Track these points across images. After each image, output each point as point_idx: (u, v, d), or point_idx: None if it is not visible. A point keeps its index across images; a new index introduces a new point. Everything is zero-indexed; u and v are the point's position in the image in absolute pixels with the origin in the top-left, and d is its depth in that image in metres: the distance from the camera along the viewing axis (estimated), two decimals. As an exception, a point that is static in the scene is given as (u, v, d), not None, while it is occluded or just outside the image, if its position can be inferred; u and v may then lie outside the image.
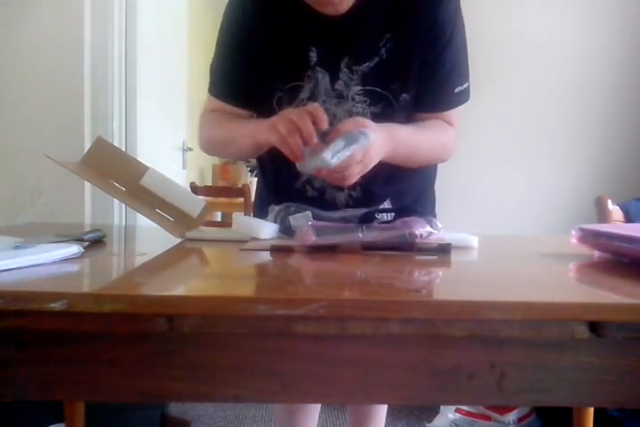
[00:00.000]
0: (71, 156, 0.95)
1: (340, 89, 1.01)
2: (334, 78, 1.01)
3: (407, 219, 0.82)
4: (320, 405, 1.31)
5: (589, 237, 0.77)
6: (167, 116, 2.87)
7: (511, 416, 1.85)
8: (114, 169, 0.92)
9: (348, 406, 1.40)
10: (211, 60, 1.11)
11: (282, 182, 1.11)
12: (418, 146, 1.02)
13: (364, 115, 1.01)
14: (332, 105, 1.01)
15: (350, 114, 1.01)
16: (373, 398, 0.56)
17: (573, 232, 0.79)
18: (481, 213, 2.23)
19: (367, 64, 0.99)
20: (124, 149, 2.32)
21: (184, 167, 3.14)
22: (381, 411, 1.34)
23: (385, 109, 1.02)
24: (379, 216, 0.92)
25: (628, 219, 1.62)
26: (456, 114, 1.08)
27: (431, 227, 0.81)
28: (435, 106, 1.05)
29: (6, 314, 0.48)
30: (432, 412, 2.02)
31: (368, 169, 0.89)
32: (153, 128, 2.57)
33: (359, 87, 1.00)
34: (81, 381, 0.52)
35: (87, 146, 0.99)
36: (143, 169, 0.92)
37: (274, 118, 0.90)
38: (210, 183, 4.71)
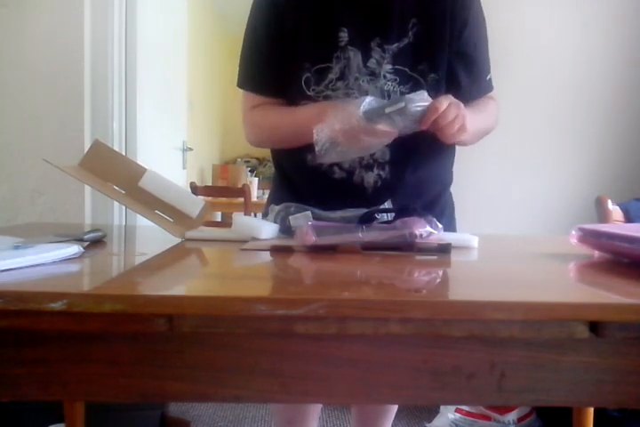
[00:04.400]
0: (71, 156, 0.96)
1: (372, 67, 1.03)
2: (367, 56, 1.03)
3: (407, 219, 0.82)
4: (319, 414, 1.30)
5: (589, 237, 0.77)
6: (167, 116, 2.87)
7: (511, 416, 1.85)
8: (112, 172, 0.92)
9: (354, 407, 1.39)
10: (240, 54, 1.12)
11: (306, 169, 1.09)
12: (476, 123, 1.04)
13: (394, 93, 1.04)
14: (365, 82, 1.03)
15: (382, 91, 1.03)
16: (373, 398, 0.56)
17: (573, 232, 0.79)
18: (481, 214, 2.23)
19: (397, 44, 1.03)
20: (124, 149, 2.32)
21: (184, 167, 3.14)
22: (390, 413, 1.32)
23: (414, 89, 1.03)
24: (379, 216, 0.92)
25: (628, 219, 1.62)
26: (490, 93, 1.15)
27: (431, 227, 0.81)
28: (474, 93, 1.10)
29: (6, 314, 0.48)
30: (432, 412, 2.02)
31: (466, 119, 0.91)
32: (153, 128, 2.57)
33: (390, 66, 1.03)
34: (81, 381, 0.52)
35: (87, 146, 0.99)
36: (141, 171, 0.92)
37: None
38: (210, 183, 4.71)
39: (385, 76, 1.03)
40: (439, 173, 1.17)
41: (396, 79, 1.03)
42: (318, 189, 1.06)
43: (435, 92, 1.04)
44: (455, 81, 1.07)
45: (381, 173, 1.06)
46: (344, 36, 1.02)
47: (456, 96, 1.06)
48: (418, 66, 1.03)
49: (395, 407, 1.34)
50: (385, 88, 1.03)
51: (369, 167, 1.05)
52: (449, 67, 1.05)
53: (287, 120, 1.07)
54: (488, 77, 1.12)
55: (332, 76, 1.03)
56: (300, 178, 1.13)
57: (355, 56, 1.02)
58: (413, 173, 1.08)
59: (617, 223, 1.52)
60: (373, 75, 1.03)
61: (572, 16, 2.22)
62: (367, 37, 1.03)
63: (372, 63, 1.03)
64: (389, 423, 1.34)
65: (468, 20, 1.05)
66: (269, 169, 5.52)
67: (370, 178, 1.06)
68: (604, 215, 1.52)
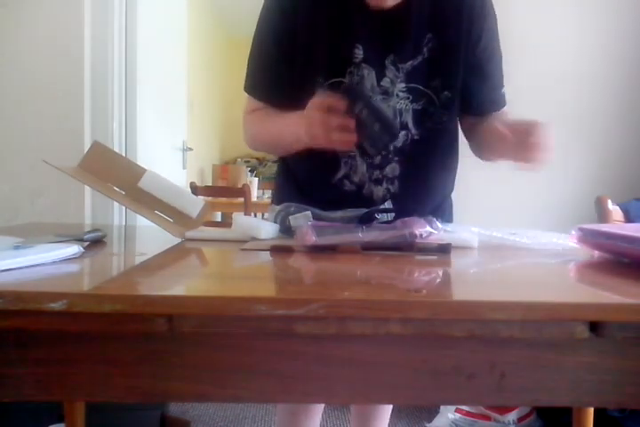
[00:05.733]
0: (71, 156, 0.96)
1: (385, 86, 1.02)
2: (381, 75, 1.02)
3: (407, 219, 0.82)
4: (323, 407, 1.30)
5: (589, 237, 0.77)
6: (167, 116, 2.86)
7: (511, 416, 1.85)
8: (112, 172, 0.92)
9: (353, 406, 1.40)
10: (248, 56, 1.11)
11: (316, 178, 1.10)
12: None
13: (406, 111, 1.04)
14: (378, 101, 1.03)
15: (394, 110, 1.03)
16: (373, 398, 0.56)
17: (573, 232, 0.79)
18: (481, 213, 2.23)
19: (411, 62, 1.02)
20: (124, 150, 2.32)
21: (184, 167, 3.14)
22: (386, 411, 1.34)
23: (426, 106, 1.04)
24: (379, 216, 0.92)
25: (628, 219, 1.62)
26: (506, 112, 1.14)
27: (431, 227, 0.81)
28: (490, 107, 1.10)
29: (6, 314, 0.48)
30: (432, 412, 2.02)
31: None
32: (153, 128, 2.57)
33: (403, 84, 1.02)
34: (81, 381, 0.52)
35: (87, 146, 0.99)
36: (141, 171, 0.92)
37: (306, 123, 0.90)
38: (210, 183, 4.71)
39: (398, 95, 1.03)
40: (444, 183, 1.17)
41: (408, 97, 1.03)
42: (327, 198, 1.06)
43: (447, 111, 1.05)
44: (468, 94, 1.06)
45: (390, 187, 1.06)
46: (359, 52, 1.01)
47: (469, 110, 1.07)
48: (431, 82, 1.03)
49: (390, 406, 1.35)
50: (397, 107, 1.03)
51: (378, 182, 1.06)
52: (467, 80, 1.05)
53: (269, 128, 1.07)
54: (502, 91, 1.11)
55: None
56: (309, 185, 1.14)
57: (369, 74, 1.02)
58: (421, 186, 1.09)
59: (617, 223, 1.52)
60: (386, 93, 1.02)
61: (573, 17, 2.22)
62: (382, 55, 1.02)
63: (385, 82, 1.02)
64: (386, 421, 1.34)
65: (482, 32, 1.04)
66: (269, 169, 5.52)
67: (379, 192, 1.07)
68: (604, 215, 1.52)
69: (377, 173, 1.06)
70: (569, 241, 0.83)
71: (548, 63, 2.22)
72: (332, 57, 1.02)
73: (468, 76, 1.05)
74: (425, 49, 1.02)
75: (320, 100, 0.88)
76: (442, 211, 1.18)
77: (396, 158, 1.05)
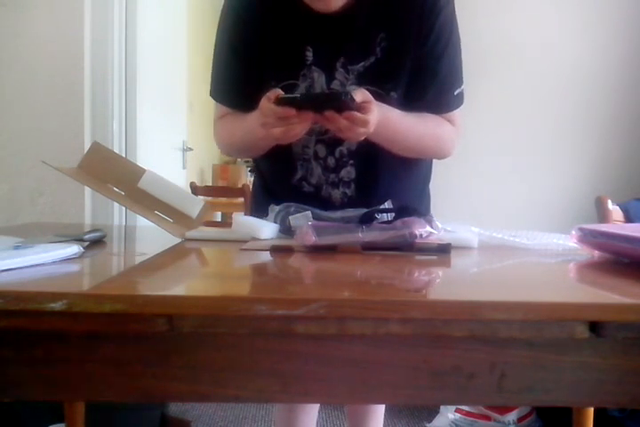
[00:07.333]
0: (71, 156, 0.96)
1: (335, 89, 1.01)
2: (330, 78, 1.01)
3: (407, 219, 0.82)
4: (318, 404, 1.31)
5: (589, 237, 0.77)
6: (167, 116, 2.87)
7: (511, 416, 1.85)
8: (111, 173, 0.92)
9: (347, 406, 1.40)
10: (211, 63, 1.12)
11: (278, 179, 1.12)
12: (406, 129, 1.01)
13: None
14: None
15: None
16: (373, 398, 0.56)
17: (573, 232, 0.79)
18: (481, 213, 2.23)
19: (362, 64, 1.00)
20: (123, 150, 2.32)
21: (184, 167, 3.14)
22: (380, 410, 1.34)
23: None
24: (379, 216, 0.92)
25: (628, 219, 1.62)
26: (457, 114, 1.09)
27: (431, 227, 0.81)
28: (436, 108, 1.06)
29: (6, 314, 0.48)
30: (432, 412, 2.02)
31: (369, 128, 0.88)
32: (153, 128, 2.57)
33: (354, 87, 1.00)
34: (81, 381, 0.52)
35: (87, 146, 0.99)
36: (140, 171, 0.92)
37: (261, 120, 0.91)
38: (210, 183, 4.71)
39: None
40: (410, 184, 1.15)
41: None
42: (289, 198, 1.05)
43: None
44: (419, 94, 1.03)
45: (347, 191, 1.06)
46: (309, 55, 1.01)
47: (419, 108, 1.03)
48: (384, 84, 1.00)
49: (382, 407, 1.35)
50: None
51: (335, 185, 1.06)
52: (413, 79, 1.02)
53: (239, 128, 1.07)
54: (456, 92, 1.06)
55: (297, 93, 1.01)
56: (274, 185, 1.15)
57: (319, 77, 1.01)
58: (381, 189, 1.07)
59: (617, 223, 1.52)
60: None
61: (573, 17, 2.22)
62: (332, 57, 1.00)
63: (335, 85, 1.01)
64: (381, 417, 1.35)
65: (431, 30, 1.00)
66: (269, 169, 5.51)
67: (336, 195, 1.06)
68: (604, 215, 1.52)
69: (333, 177, 1.05)
70: (569, 241, 0.83)
71: (547, 63, 2.22)
72: (284, 60, 1.02)
73: (416, 75, 1.02)
74: (377, 49, 1.00)
75: (271, 95, 0.88)
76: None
77: (351, 162, 1.05)
